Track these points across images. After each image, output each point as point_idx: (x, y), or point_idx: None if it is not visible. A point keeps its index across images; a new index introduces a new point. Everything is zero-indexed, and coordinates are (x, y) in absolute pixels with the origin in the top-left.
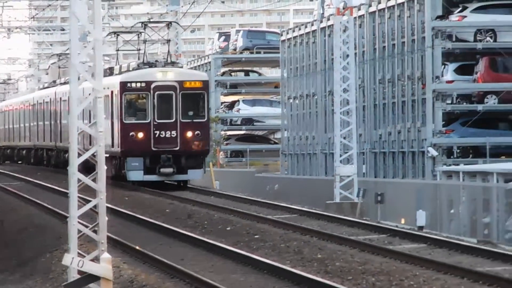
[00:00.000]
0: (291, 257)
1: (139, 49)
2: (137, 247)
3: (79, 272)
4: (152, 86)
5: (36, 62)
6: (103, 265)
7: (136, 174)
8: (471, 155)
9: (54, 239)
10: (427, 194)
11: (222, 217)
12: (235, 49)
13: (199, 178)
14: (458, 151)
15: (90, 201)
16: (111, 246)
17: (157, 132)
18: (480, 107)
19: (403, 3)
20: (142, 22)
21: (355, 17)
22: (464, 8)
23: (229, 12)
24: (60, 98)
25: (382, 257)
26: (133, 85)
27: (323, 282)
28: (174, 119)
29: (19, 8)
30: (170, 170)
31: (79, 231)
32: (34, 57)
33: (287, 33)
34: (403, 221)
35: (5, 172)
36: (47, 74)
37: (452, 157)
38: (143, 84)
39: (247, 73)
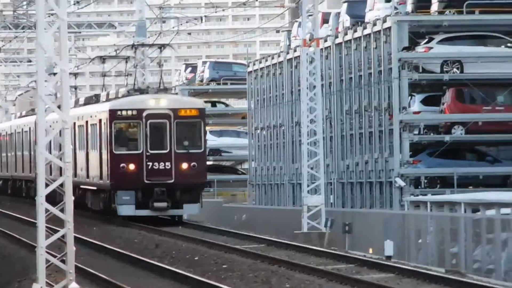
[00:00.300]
0: (259, 286)
1: (128, 74)
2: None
3: None
4: (144, 114)
5: (3, 94)
6: None
7: (127, 209)
8: (438, 185)
9: (22, 269)
10: (395, 224)
11: (190, 247)
12: (201, 80)
13: (196, 213)
14: (425, 181)
15: (58, 231)
16: (79, 276)
17: (150, 163)
18: (447, 137)
19: (369, 34)
20: (132, 45)
21: (321, 49)
22: (431, 40)
23: (196, 43)
24: None
25: (350, 287)
26: (124, 113)
27: None
28: (168, 150)
29: None
30: (164, 204)
31: (47, 261)
32: (1, 88)
33: (254, 64)
34: (371, 251)
35: None
36: (14, 105)
37: (419, 187)
38: (134, 112)
39: (214, 104)
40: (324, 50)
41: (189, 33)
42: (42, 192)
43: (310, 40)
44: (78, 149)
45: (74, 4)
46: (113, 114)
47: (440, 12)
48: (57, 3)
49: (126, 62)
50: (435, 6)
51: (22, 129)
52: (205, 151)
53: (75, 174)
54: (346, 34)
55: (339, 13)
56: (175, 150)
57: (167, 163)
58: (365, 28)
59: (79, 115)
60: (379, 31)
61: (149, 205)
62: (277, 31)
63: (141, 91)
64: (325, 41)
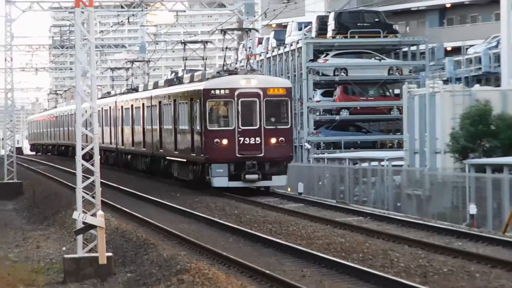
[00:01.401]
0: (219, 213)
1: (205, 58)
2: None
3: (83, 223)
4: (236, 93)
5: (54, 90)
6: (99, 218)
7: (221, 181)
8: (332, 148)
9: (67, 202)
10: (305, 172)
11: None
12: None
13: (284, 184)
14: (323, 145)
15: (89, 177)
16: (104, 207)
17: (242, 138)
18: (337, 117)
19: (288, 51)
20: (222, 30)
21: (257, 61)
22: (327, 54)
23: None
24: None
25: (276, 212)
26: (217, 92)
27: (239, 228)
28: (258, 126)
29: (43, 55)
30: (255, 176)
31: (83, 197)
32: (53, 87)
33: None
34: (289, 189)
35: (35, 160)
36: (62, 97)
37: (320, 149)
38: (227, 91)
39: None
40: (260, 61)
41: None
42: (79, 152)
43: (250, 55)
44: (165, 124)
45: (99, 32)
46: (207, 93)
47: (333, 37)
48: (88, 32)
49: (204, 46)
50: (329, 33)
51: (69, 113)
52: (291, 127)
53: (160, 147)
54: (273, 51)
55: (268, 38)
56: (265, 126)
57: (257, 138)
58: (285, 47)
59: (165, 94)
60: (294, 50)
61: (241, 177)
62: (229, 49)
63: (230, 72)
64: (260, 55)
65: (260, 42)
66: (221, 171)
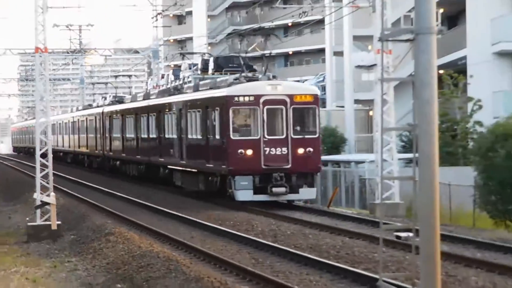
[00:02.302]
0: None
1: (130, 87)
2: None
3: (41, 201)
4: (261, 100)
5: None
6: (51, 198)
7: (245, 194)
8: None
9: (29, 186)
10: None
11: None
12: None
13: (313, 197)
14: None
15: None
16: (56, 191)
17: (267, 149)
18: None
19: (182, 83)
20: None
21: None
22: None
23: None
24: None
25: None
26: (241, 99)
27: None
28: (284, 135)
29: (14, 85)
30: (282, 189)
31: (40, 183)
32: (20, 107)
33: None
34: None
35: (9, 158)
36: (27, 114)
37: None
38: (252, 98)
39: None
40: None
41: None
42: (38, 152)
43: (156, 85)
44: (166, 133)
45: (52, 69)
46: (231, 100)
47: (212, 73)
48: (44, 69)
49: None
50: (210, 71)
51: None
52: (319, 136)
53: (160, 155)
54: (171, 83)
55: (168, 74)
56: (291, 136)
57: (283, 149)
58: (180, 80)
59: (165, 103)
60: (186, 82)
61: (267, 190)
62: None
63: (250, 79)
64: (162, 86)
65: (162, 77)
66: (245, 183)
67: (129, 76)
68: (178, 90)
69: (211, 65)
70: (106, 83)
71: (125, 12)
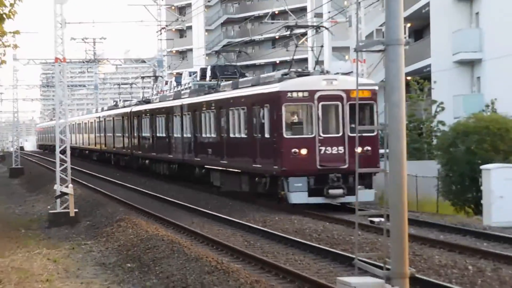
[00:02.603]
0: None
1: (130, 93)
2: None
3: (60, 191)
4: (316, 95)
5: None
6: (69, 188)
7: (299, 196)
8: None
9: (50, 179)
10: None
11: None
12: None
13: (371, 199)
14: None
15: (64, 163)
16: (74, 183)
17: (323, 148)
18: None
19: (183, 89)
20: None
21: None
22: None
23: None
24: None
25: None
26: (294, 94)
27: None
28: (341, 133)
29: (36, 91)
30: (340, 191)
31: (60, 176)
32: (42, 110)
33: None
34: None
35: (33, 154)
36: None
37: None
38: (306, 94)
39: None
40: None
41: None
42: (58, 149)
43: (160, 91)
44: (203, 132)
45: (70, 77)
46: (284, 96)
47: (210, 80)
48: (63, 77)
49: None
50: (207, 78)
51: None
52: (377, 134)
53: (195, 155)
54: (174, 89)
55: (171, 80)
56: (348, 134)
57: (340, 148)
58: (181, 87)
59: (202, 102)
60: (187, 88)
61: (323, 192)
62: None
63: (299, 74)
64: (166, 91)
65: (166, 83)
66: (299, 185)
67: (130, 84)
68: (213, 89)
69: (208, 73)
70: (128, 85)
71: (133, 27)
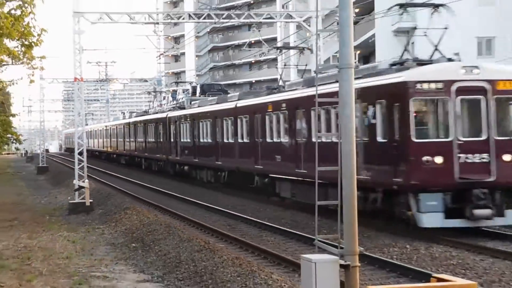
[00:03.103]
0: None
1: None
2: None
3: (78, 185)
4: (454, 87)
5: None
6: (86, 183)
7: (433, 218)
8: None
9: (70, 175)
10: None
11: None
12: None
13: None
14: None
15: (81, 163)
16: (90, 178)
17: (463, 155)
18: None
19: (178, 104)
20: (277, 47)
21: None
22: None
23: None
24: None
25: None
26: (425, 86)
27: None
28: (485, 137)
29: (59, 104)
30: (487, 212)
31: (78, 173)
32: (64, 120)
33: None
34: None
35: (57, 155)
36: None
37: None
38: (440, 85)
39: None
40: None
41: None
42: (76, 151)
43: (160, 104)
44: (269, 137)
45: (86, 93)
46: (412, 88)
47: (199, 96)
48: (80, 93)
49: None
50: (197, 95)
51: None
52: None
53: (255, 162)
54: (170, 103)
55: (169, 96)
56: (495, 137)
57: (484, 155)
58: (176, 102)
59: (271, 102)
60: (181, 103)
61: (465, 212)
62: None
63: (422, 62)
64: (164, 105)
65: (164, 98)
66: (434, 203)
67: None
68: (275, 89)
69: (198, 90)
70: (133, 99)
71: (138, 53)
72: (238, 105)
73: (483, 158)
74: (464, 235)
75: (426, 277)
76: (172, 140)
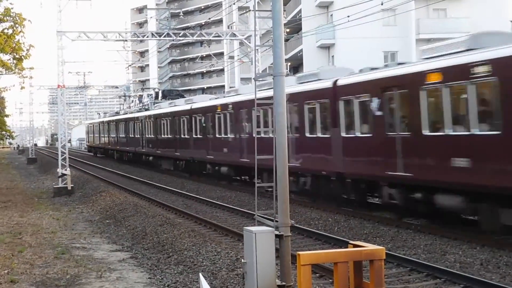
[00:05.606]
0: None
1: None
2: None
3: (61, 173)
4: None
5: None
6: (67, 171)
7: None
8: None
9: (54, 165)
10: None
11: None
12: None
13: None
14: None
15: (64, 154)
16: (71, 168)
17: None
18: None
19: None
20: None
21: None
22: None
23: None
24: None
25: None
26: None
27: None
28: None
29: (45, 107)
30: None
31: (61, 163)
32: (49, 122)
33: None
34: None
35: (44, 148)
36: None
37: None
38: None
39: None
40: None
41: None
42: (60, 145)
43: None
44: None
45: (67, 97)
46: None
47: (161, 100)
48: (62, 96)
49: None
50: (159, 98)
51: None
52: None
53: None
54: (138, 105)
55: (135, 100)
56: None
57: None
58: (143, 105)
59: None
60: (146, 105)
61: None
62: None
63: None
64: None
65: (132, 101)
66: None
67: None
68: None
69: (160, 95)
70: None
71: (110, 65)
72: (193, 106)
73: None
74: (375, 209)
75: (344, 244)
76: (139, 135)
